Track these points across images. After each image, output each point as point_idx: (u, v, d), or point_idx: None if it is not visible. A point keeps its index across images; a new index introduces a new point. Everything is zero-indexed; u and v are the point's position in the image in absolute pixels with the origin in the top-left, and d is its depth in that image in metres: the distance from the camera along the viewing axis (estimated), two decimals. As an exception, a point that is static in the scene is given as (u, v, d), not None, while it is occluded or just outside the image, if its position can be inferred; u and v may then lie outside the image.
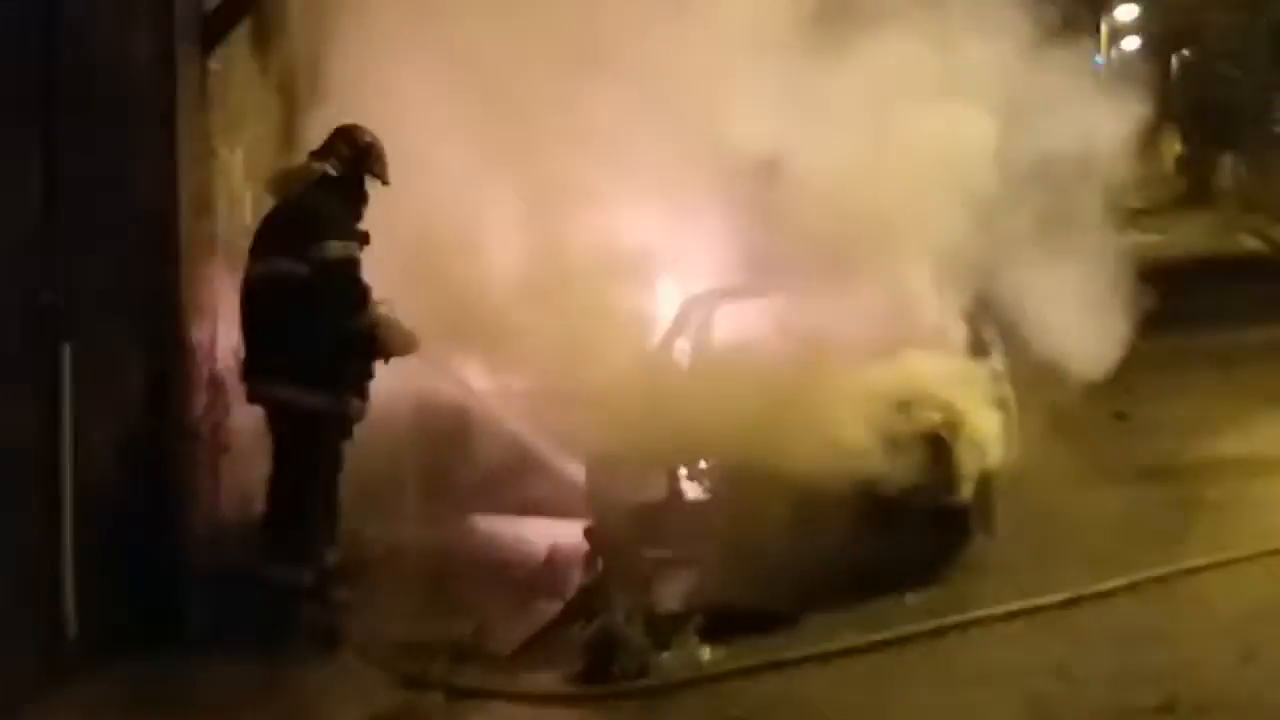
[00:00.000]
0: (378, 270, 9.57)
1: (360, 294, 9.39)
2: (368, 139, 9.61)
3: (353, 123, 9.69)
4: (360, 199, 9.58)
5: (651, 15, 10.98)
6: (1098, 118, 12.86)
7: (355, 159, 9.56)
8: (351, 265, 9.35)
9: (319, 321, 9.24)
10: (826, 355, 10.64)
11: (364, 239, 9.49)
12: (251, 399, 9.47)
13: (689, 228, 11.63)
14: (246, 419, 9.73)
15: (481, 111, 10.57)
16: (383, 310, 9.54)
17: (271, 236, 9.46)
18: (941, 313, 11.61)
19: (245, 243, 9.65)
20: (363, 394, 9.50)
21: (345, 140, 9.60)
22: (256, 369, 9.41)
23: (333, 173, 9.51)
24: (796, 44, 11.12)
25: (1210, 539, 10.94)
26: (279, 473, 9.41)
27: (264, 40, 10.29)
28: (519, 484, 11.50)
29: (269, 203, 9.73)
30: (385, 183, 9.64)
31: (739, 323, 11.75)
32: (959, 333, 11.72)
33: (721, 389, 10.37)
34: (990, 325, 12.09)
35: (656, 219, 11.32)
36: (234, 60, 9.94)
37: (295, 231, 9.34)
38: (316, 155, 9.64)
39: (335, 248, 9.27)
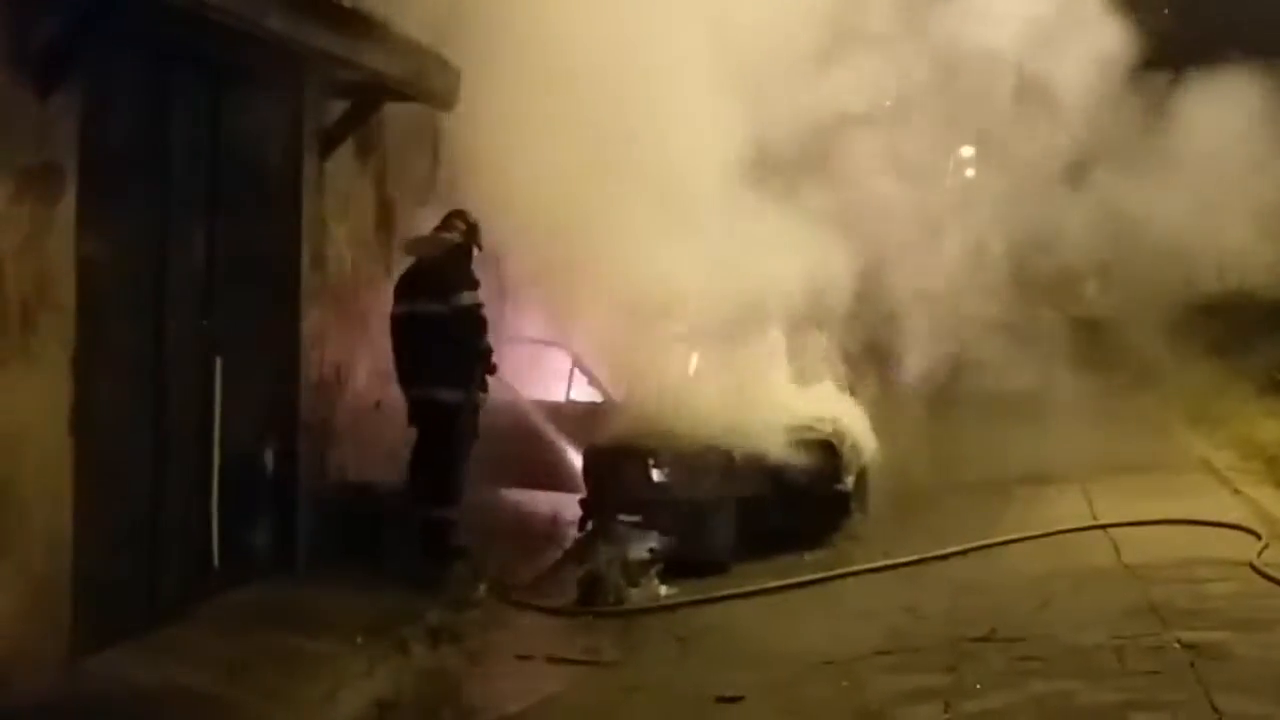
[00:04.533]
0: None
1: (483, 327, 9.55)
2: (474, 219, 9.77)
3: (462, 207, 9.82)
4: (472, 258, 9.73)
5: None
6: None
7: (469, 231, 9.71)
8: (478, 308, 9.52)
9: (456, 345, 9.39)
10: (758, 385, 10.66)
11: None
12: (412, 398, 9.53)
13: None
14: (347, 414, 9.72)
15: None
16: None
17: (419, 285, 9.57)
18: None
19: (348, 289, 9.78)
20: (485, 389, 9.65)
21: (460, 218, 9.74)
22: (414, 377, 9.50)
23: (458, 240, 9.64)
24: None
25: (1018, 521, 10.98)
26: (432, 445, 9.47)
27: (363, 150, 10.29)
28: (537, 467, 11.48)
29: (369, 260, 9.81)
30: (481, 250, 9.79)
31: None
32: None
33: (683, 405, 10.39)
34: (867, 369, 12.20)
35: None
36: (341, 163, 9.92)
37: (438, 283, 9.47)
38: (441, 229, 9.76)
39: (467, 296, 9.45)
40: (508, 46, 9.72)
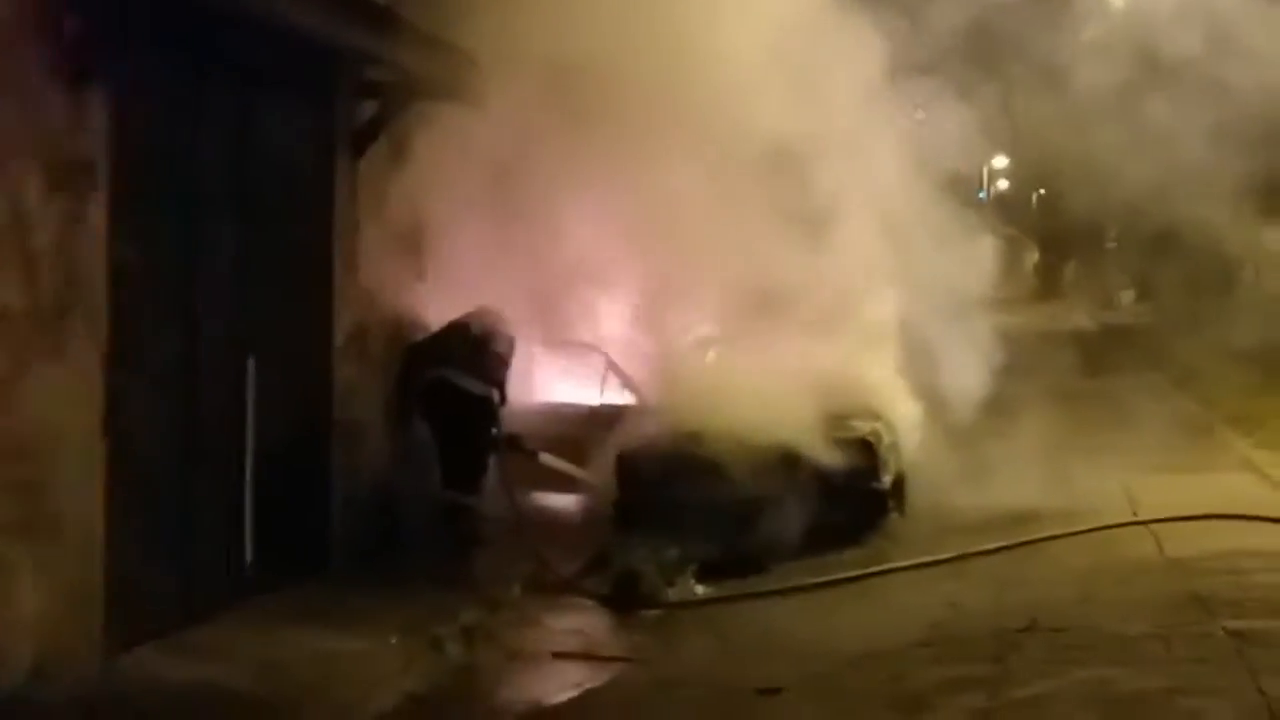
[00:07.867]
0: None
1: (512, 341, 10.27)
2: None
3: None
4: None
5: None
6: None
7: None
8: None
9: (485, 343, 10.07)
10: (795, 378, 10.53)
11: None
12: (430, 382, 9.94)
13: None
14: (374, 416, 9.68)
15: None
16: None
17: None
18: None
19: (381, 289, 9.85)
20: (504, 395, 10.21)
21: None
22: (440, 363, 9.98)
23: None
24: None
25: (1059, 518, 10.79)
26: (456, 436, 9.91)
27: (396, 152, 10.23)
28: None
29: (402, 262, 10.19)
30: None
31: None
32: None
33: (722, 401, 10.29)
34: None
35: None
36: (375, 161, 9.86)
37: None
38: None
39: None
40: (533, 44, 9.68)
